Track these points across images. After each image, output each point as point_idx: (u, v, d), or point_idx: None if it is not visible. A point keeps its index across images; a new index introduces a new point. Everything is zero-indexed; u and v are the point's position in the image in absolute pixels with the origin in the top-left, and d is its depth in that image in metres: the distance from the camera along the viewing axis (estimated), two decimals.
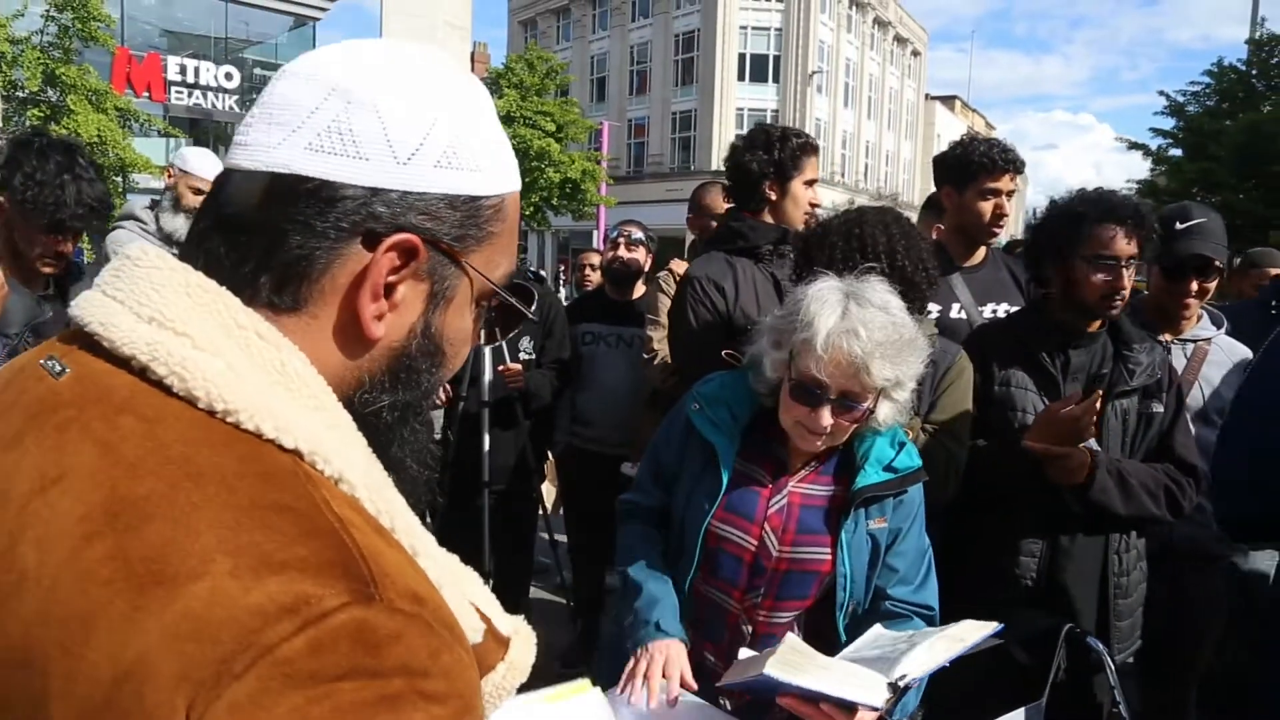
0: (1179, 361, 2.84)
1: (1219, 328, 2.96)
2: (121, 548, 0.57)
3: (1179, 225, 2.77)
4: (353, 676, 0.56)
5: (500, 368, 3.74)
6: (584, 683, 1.57)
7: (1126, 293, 2.32)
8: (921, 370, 1.78)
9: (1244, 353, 2.94)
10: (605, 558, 4.49)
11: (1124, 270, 2.30)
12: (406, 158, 0.71)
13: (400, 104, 0.72)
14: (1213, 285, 2.85)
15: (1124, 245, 2.31)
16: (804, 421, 1.73)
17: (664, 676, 1.69)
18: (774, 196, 2.83)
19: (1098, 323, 2.43)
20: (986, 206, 2.99)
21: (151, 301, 0.67)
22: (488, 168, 0.77)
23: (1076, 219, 2.38)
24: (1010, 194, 3.03)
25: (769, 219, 2.85)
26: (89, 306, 0.68)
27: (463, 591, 0.76)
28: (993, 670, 1.51)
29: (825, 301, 1.71)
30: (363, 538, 0.62)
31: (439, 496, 3.80)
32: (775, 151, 2.81)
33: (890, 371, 1.67)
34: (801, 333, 1.71)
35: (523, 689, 0.96)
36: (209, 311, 0.68)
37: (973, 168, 2.98)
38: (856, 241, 2.16)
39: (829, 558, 1.79)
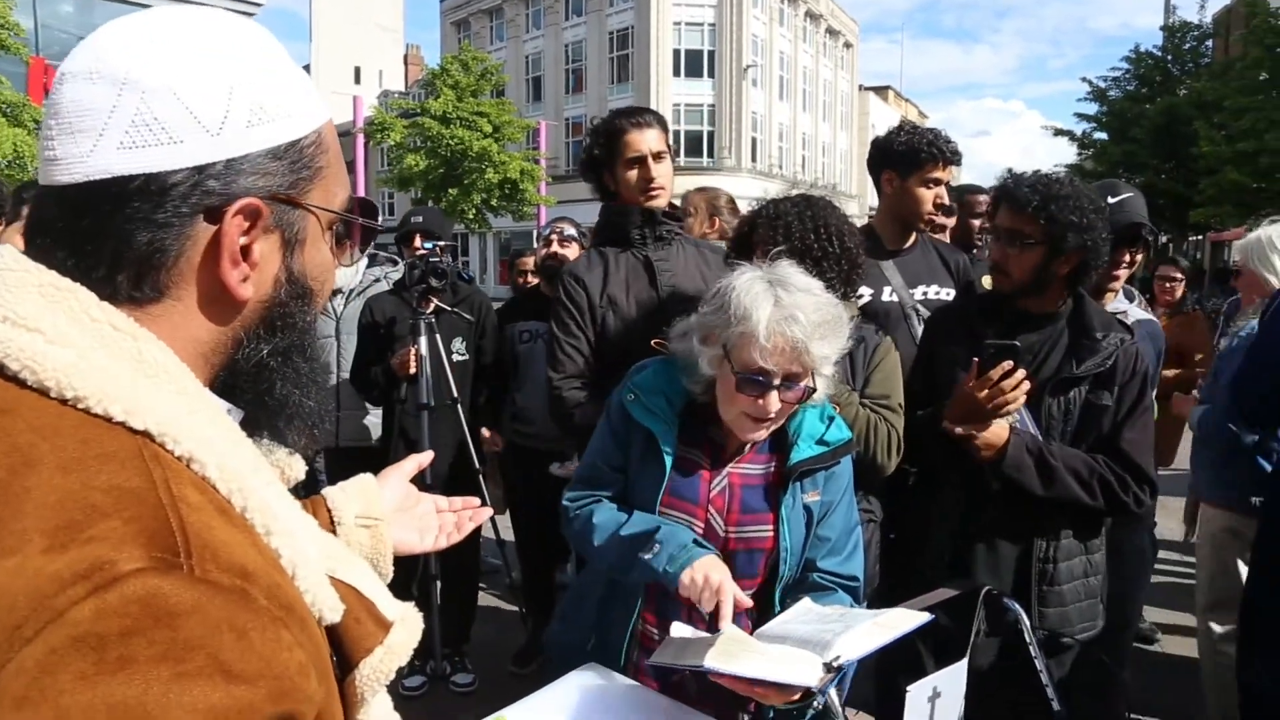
0: None
1: (1131, 301, 3.11)
2: None
3: (1110, 200, 2.86)
4: (145, 645, 0.57)
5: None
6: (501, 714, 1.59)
7: (1005, 266, 2.38)
8: (846, 344, 1.83)
9: (1159, 328, 3.12)
10: (554, 555, 4.51)
11: (999, 243, 2.40)
12: (218, 128, 0.73)
13: (193, 78, 0.73)
14: (1139, 257, 3.00)
15: (1002, 218, 2.41)
16: (750, 411, 1.77)
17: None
18: (612, 186, 2.84)
19: (1053, 305, 2.42)
20: (928, 195, 3.07)
21: (5, 302, 0.69)
22: (296, 109, 0.79)
23: (994, 198, 2.53)
24: (947, 183, 3.12)
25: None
26: None
27: (328, 571, 0.77)
28: (915, 633, 1.56)
29: (755, 294, 1.75)
30: (191, 514, 0.64)
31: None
32: (596, 146, 2.84)
33: (827, 349, 1.74)
34: (738, 326, 1.74)
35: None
36: (62, 308, 0.70)
37: (921, 157, 3.04)
38: (810, 221, 2.24)
39: (771, 533, 1.84)
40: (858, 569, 1.94)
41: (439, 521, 1.31)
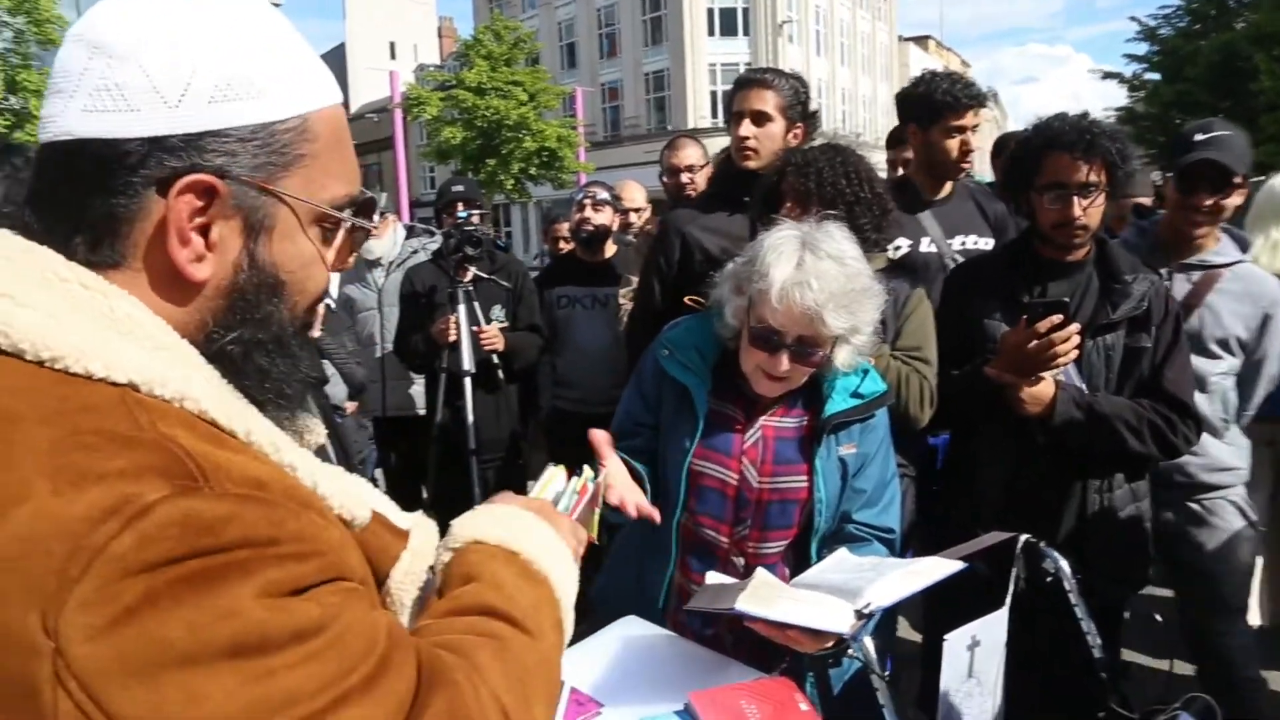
0: (1182, 288, 2.70)
1: (1245, 251, 2.77)
2: None
3: (1197, 137, 2.66)
4: (192, 557, 0.60)
5: (476, 329, 3.77)
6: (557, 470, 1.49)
7: (1085, 221, 2.25)
8: (877, 316, 1.82)
9: (1267, 285, 2.72)
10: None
11: (1074, 198, 2.23)
12: (177, 100, 0.72)
13: (159, 48, 0.72)
14: (1230, 202, 2.68)
15: (1071, 172, 2.24)
16: (763, 366, 1.79)
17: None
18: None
19: (1080, 253, 2.36)
20: (953, 144, 3.01)
21: None
22: (275, 90, 0.77)
23: (1027, 150, 2.37)
24: (974, 128, 3.04)
25: None
26: None
27: (346, 487, 0.80)
28: (955, 583, 1.56)
29: (781, 252, 1.74)
30: (191, 443, 0.66)
31: (430, 467, 3.85)
32: (725, 100, 2.95)
33: (844, 321, 1.72)
34: (758, 282, 1.75)
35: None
36: (29, 271, 0.70)
37: (937, 106, 2.97)
38: (840, 167, 2.21)
39: (806, 485, 1.85)
40: (894, 521, 1.94)
41: None
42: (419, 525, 0.91)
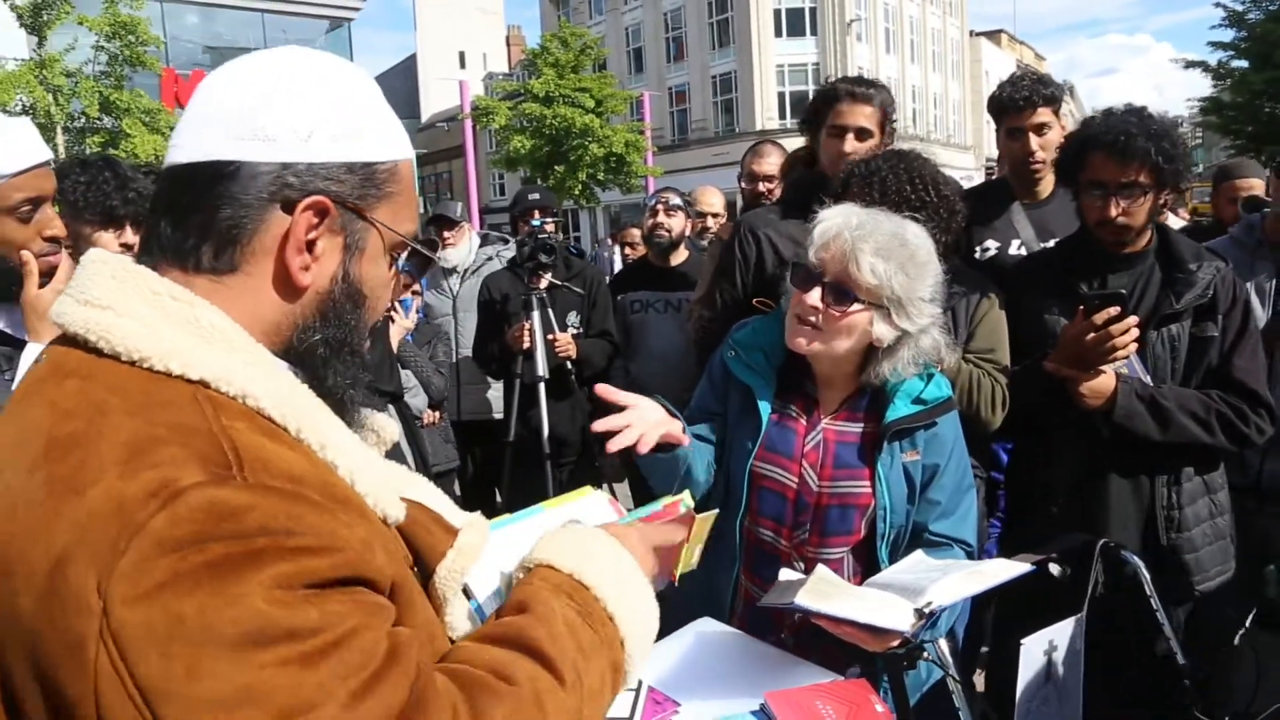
0: None
1: None
2: (50, 474, 0.75)
3: None
4: (215, 540, 0.70)
5: (550, 337, 3.85)
6: (585, 488, 1.56)
7: (1125, 221, 2.25)
8: (929, 295, 1.82)
9: None
10: None
11: (1112, 198, 2.22)
12: (307, 136, 0.89)
13: (297, 95, 0.89)
14: None
15: (1109, 172, 2.23)
16: (796, 308, 1.82)
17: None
18: (814, 148, 2.92)
19: (1140, 243, 2.34)
20: (1015, 146, 2.97)
21: (87, 289, 0.85)
22: (376, 138, 0.94)
23: (1070, 146, 2.38)
24: (1041, 127, 2.95)
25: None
26: (56, 305, 0.87)
27: (385, 480, 0.90)
28: (1032, 587, 1.56)
29: (836, 210, 1.85)
30: (241, 437, 0.78)
31: (505, 471, 3.94)
32: (813, 103, 2.89)
33: (882, 267, 1.74)
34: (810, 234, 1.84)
35: None
36: (130, 287, 0.85)
37: (995, 108, 2.99)
38: (905, 174, 2.22)
39: (868, 490, 1.86)
40: (970, 533, 1.92)
41: None
42: (471, 525, 0.99)
